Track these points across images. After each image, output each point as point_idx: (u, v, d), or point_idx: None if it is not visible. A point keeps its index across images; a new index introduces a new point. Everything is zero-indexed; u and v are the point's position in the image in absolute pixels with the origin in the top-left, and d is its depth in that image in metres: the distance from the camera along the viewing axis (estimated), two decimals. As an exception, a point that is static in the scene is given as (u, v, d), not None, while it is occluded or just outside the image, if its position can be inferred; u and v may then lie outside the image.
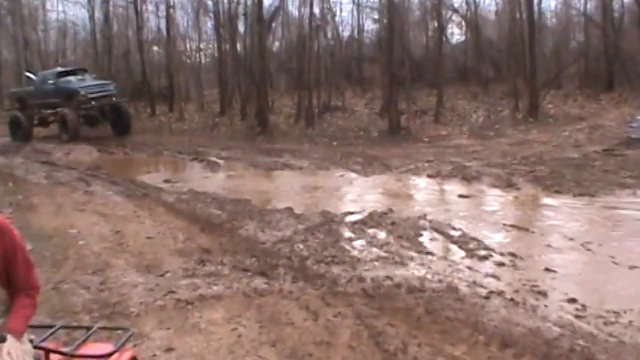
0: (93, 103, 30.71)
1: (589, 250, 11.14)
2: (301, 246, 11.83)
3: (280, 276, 10.01)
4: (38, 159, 25.18)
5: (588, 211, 14.21)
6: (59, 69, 34.23)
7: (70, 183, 19.62)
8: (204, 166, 22.91)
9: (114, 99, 32.07)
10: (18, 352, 3.76)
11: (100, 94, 31.30)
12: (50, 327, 4.54)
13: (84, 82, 31.90)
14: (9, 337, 3.80)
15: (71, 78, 32.25)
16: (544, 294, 9.04)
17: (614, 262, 10.39)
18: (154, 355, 7.25)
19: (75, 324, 5.71)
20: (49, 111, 31.81)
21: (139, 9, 40.45)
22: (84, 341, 4.46)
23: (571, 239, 11.70)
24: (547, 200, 15.39)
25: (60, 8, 46.42)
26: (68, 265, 10.77)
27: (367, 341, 7.53)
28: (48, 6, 46.07)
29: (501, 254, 10.92)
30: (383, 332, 7.74)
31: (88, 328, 4.71)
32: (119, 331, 5.05)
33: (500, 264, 10.45)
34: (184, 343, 7.58)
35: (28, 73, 36.06)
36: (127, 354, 4.53)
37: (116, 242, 12.53)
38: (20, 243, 4.01)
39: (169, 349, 7.41)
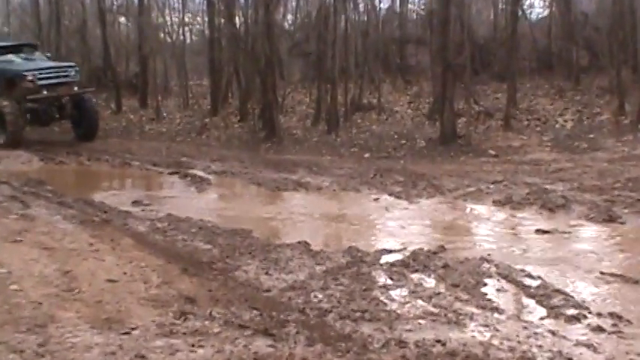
0: (44, 92, 29.28)
1: None
2: (320, 295, 11.81)
3: (290, 336, 9.95)
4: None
5: None
6: None
7: (0, 204, 19.63)
8: (189, 183, 22.85)
9: (75, 88, 30.68)
10: None
11: (54, 80, 29.79)
12: None
13: (32, 64, 30.44)
14: None
15: (13, 57, 30.90)
16: (660, 371, 9.00)
17: None
18: None
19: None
20: None
21: (100, -34, 40.71)
22: None
23: (696, 295, 11.64)
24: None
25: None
26: (-5, 319, 10.72)
27: None
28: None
29: (599, 315, 10.83)
30: (432, 421, 7.70)
31: None
32: None
33: (598, 328, 10.35)
34: None
35: None
36: None
37: (64, 287, 12.44)
38: None
39: None
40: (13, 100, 28.68)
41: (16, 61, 30.50)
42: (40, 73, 29.21)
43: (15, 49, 31.50)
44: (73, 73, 30.63)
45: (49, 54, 33.74)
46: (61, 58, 36.23)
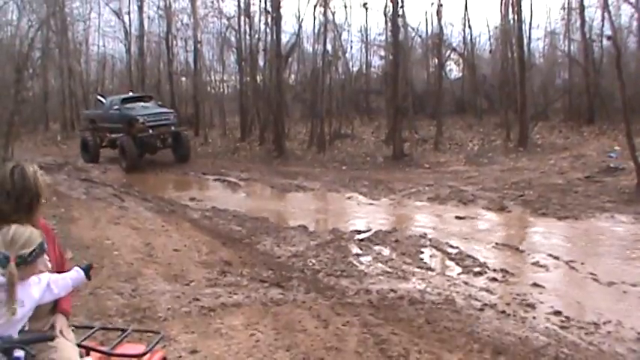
0: (150, 131, 28.36)
1: (572, 267, 11.15)
2: (313, 260, 11.86)
3: (294, 287, 10.03)
4: (79, 176, 25.18)
5: (572, 232, 14.21)
6: (125, 95, 32.24)
7: (106, 199, 19.63)
8: (226, 186, 22.84)
9: (173, 128, 29.48)
10: (67, 329, 3.89)
11: (158, 122, 28.87)
12: (90, 328, 4.61)
13: (145, 110, 29.63)
14: (60, 315, 4.05)
15: (135, 105, 30.20)
16: (532, 307, 9.07)
17: (594, 279, 10.42)
18: (180, 357, 7.28)
19: (111, 326, 5.73)
20: (114, 135, 29.53)
21: (169, 44, 40.62)
22: (119, 342, 4.54)
23: (556, 258, 11.69)
24: (535, 222, 15.38)
25: (100, 43, 46.97)
26: (104, 272, 10.77)
27: (373, 348, 7.54)
28: (90, 41, 46.60)
29: (494, 270, 10.94)
30: (387, 340, 7.75)
31: (123, 330, 4.78)
32: (151, 334, 5.12)
33: (493, 279, 10.47)
34: (207, 346, 7.59)
35: (98, 97, 34.25)
36: (158, 354, 4.60)
37: (146, 253, 12.54)
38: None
39: (194, 351, 7.43)
40: (130, 136, 27.95)
41: (135, 108, 29.70)
42: (149, 118, 28.57)
43: (137, 99, 31.08)
44: (171, 117, 29.83)
45: (160, 102, 33.03)
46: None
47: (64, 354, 3.87)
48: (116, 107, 29.64)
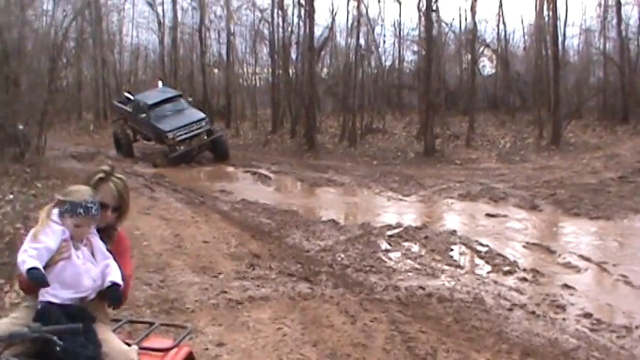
0: (181, 148, 26.54)
1: (604, 269, 11.02)
2: (342, 255, 11.82)
3: (322, 282, 10.00)
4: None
5: (604, 233, 14.05)
6: (151, 100, 28.98)
7: (137, 189, 19.65)
8: (257, 178, 22.78)
9: (205, 137, 27.51)
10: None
11: (189, 134, 26.93)
12: (117, 320, 4.59)
13: (174, 121, 27.47)
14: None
15: (163, 110, 28.16)
16: (562, 308, 8.97)
17: (626, 282, 10.30)
18: (207, 349, 7.27)
19: (139, 319, 5.72)
20: (146, 142, 29.02)
21: (202, 36, 40.67)
22: (147, 335, 4.53)
23: (587, 259, 11.57)
24: (566, 222, 15.24)
25: (134, 34, 46.98)
26: (133, 263, 10.77)
27: (400, 345, 7.49)
28: (124, 31, 46.70)
29: (524, 270, 10.85)
30: (415, 338, 7.69)
31: (151, 324, 4.76)
32: (179, 328, 5.11)
33: (523, 279, 10.37)
34: (234, 340, 7.58)
35: (126, 93, 32.97)
36: (185, 349, 4.57)
37: (175, 244, 12.57)
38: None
39: (220, 344, 7.43)
40: (162, 148, 27.26)
41: (163, 116, 27.78)
42: (179, 131, 26.74)
43: (165, 101, 28.79)
44: (203, 124, 27.68)
45: (190, 98, 31.26)
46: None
47: (110, 345, 3.90)
48: (143, 115, 28.14)
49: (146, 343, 4.40)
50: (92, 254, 3.94)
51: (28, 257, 3.68)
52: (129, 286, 4.24)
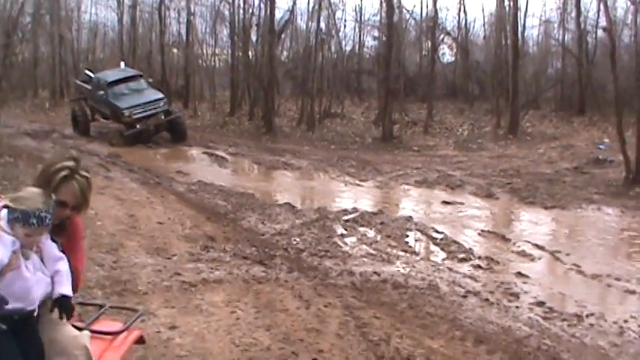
0: (137, 126, 26.17)
1: (557, 258, 11.13)
2: (297, 239, 11.78)
3: (277, 266, 9.96)
4: (65, 145, 24.94)
5: (558, 222, 14.23)
6: (110, 78, 28.64)
7: (91, 168, 19.37)
8: (213, 160, 22.59)
9: (162, 117, 27.05)
10: None
11: (146, 113, 26.57)
12: None
13: (132, 99, 27.11)
14: None
15: (122, 89, 27.73)
16: (516, 296, 9.03)
17: (579, 271, 10.40)
18: (158, 332, 7.18)
19: (88, 301, 5.61)
20: (103, 120, 28.46)
21: (162, 15, 40.21)
22: (97, 318, 4.43)
23: (542, 248, 11.68)
24: (522, 210, 15.36)
25: (93, 10, 46.36)
26: (85, 243, 10.64)
27: (354, 331, 7.47)
28: (82, 8, 46.05)
29: (479, 257, 10.90)
30: (368, 323, 7.68)
31: (101, 306, 4.67)
32: (129, 311, 5.02)
33: (478, 267, 10.42)
34: (187, 322, 7.51)
35: (87, 71, 31.67)
36: (135, 333, 4.49)
37: (130, 225, 12.45)
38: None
39: (173, 327, 7.35)
40: (117, 126, 26.70)
41: (120, 94, 27.36)
42: (135, 110, 26.35)
43: (124, 80, 28.37)
44: (161, 104, 27.34)
45: (150, 79, 30.71)
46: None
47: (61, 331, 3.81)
48: (102, 92, 27.66)
49: (96, 326, 4.31)
50: (42, 259, 3.77)
51: None
52: (79, 281, 4.16)
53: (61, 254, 3.88)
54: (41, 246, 3.76)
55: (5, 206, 3.67)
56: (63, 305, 3.77)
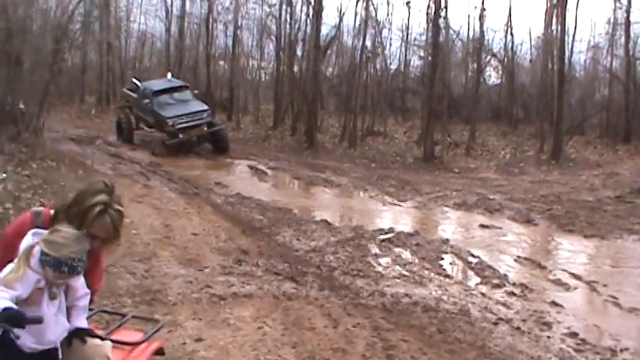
0: (180, 136, 26.31)
1: (594, 289, 10.92)
2: (331, 257, 11.72)
3: (308, 283, 9.91)
4: (108, 151, 25.20)
5: (597, 251, 13.98)
6: (156, 87, 29.01)
7: (132, 176, 19.66)
8: (253, 173, 22.62)
9: (205, 128, 27.24)
10: None
11: (190, 123, 26.76)
12: (90, 310, 4.48)
13: (176, 109, 27.28)
14: None
15: (168, 98, 27.93)
16: (549, 325, 8.86)
17: (615, 303, 10.18)
18: (184, 344, 7.18)
19: (111, 309, 5.61)
20: (147, 129, 28.58)
21: (209, 27, 40.64)
22: (118, 327, 4.45)
23: (578, 277, 11.47)
24: (560, 238, 15.12)
25: (141, 20, 46.98)
26: (119, 251, 10.70)
27: (380, 353, 7.40)
28: (131, 17, 46.68)
29: (513, 284, 10.73)
30: (396, 346, 7.60)
31: (123, 315, 4.68)
32: (151, 322, 5.02)
33: (511, 293, 10.25)
34: (213, 336, 7.50)
35: (134, 80, 31.98)
36: (155, 344, 4.49)
37: (164, 235, 12.51)
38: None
39: (199, 339, 7.34)
40: (161, 136, 26.98)
41: (165, 104, 27.61)
42: (179, 120, 26.57)
43: (170, 90, 28.61)
44: (205, 115, 27.50)
45: (196, 91, 31.06)
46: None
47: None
48: (147, 101, 27.95)
49: (116, 336, 4.31)
50: (66, 291, 3.78)
51: (1, 299, 3.43)
52: (93, 299, 4.17)
53: (86, 290, 3.90)
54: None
55: (37, 243, 3.64)
56: (77, 335, 3.82)
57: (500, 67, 39.49)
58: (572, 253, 13.69)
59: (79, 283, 3.84)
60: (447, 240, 13.71)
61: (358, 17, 35.49)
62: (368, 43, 35.27)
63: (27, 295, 3.55)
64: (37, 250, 3.61)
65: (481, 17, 34.98)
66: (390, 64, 40.72)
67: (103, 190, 3.91)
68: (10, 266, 3.62)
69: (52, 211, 3.93)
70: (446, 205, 18.33)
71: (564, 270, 11.89)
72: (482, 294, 10.14)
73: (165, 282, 9.40)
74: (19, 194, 13.42)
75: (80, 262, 3.63)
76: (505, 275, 11.27)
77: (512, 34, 37.75)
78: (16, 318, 3.39)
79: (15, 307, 3.43)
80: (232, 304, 8.63)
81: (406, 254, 12.46)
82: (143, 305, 8.20)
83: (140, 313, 6.75)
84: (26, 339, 3.56)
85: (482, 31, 35.56)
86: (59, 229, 3.67)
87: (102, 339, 4.00)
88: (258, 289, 9.33)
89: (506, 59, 38.22)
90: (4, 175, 15.41)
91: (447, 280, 10.89)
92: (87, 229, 3.77)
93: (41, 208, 4.04)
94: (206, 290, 9.09)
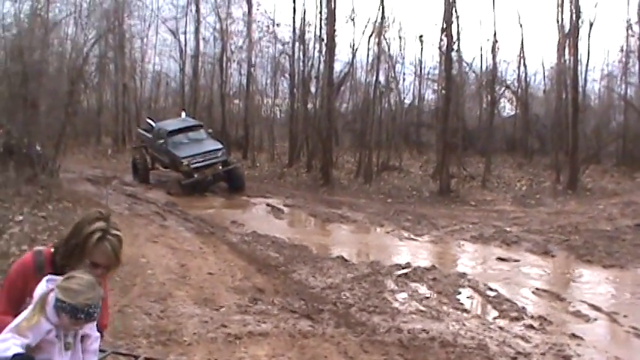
0: (195, 175, 26.38)
1: (614, 320, 10.79)
2: (347, 294, 11.68)
3: (324, 320, 9.85)
4: (124, 191, 25.30)
5: (617, 282, 13.82)
6: (170, 127, 29.12)
7: (148, 216, 19.69)
8: (269, 211, 22.61)
9: (220, 167, 27.19)
10: None
11: (204, 162, 26.75)
12: (103, 351, 4.46)
13: (190, 148, 27.35)
14: None
15: (182, 138, 28.03)
16: (568, 359, 8.77)
17: (637, 334, 10.06)
18: (200, 384, 7.12)
19: (126, 351, 5.57)
20: (162, 169, 29.11)
21: (224, 66, 40.97)
22: None
23: (598, 309, 11.33)
24: (579, 269, 14.98)
25: (156, 61, 47.41)
26: (135, 291, 10.73)
27: (398, 390, 7.31)
28: (146, 58, 47.11)
29: (532, 317, 10.63)
30: (413, 382, 7.52)
31: (136, 357, 4.65)
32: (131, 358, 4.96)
33: (530, 326, 10.15)
34: (229, 376, 7.44)
35: (148, 120, 32.27)
36: None
37: (180, 275, 12.49)
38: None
39: (214, 380, 7.28)
40: (176, 175, 27.34)
41: (180, 143, 27.68)
42: (194, 159, 26.63)
43: (184, 130, 28.72)
44: (219, 154, 27.50)
45: (210, 130, 30.90)
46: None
47: None
48: (162, 141, 28.03)
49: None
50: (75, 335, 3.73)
51: (12, 345, 3.38)
52: (103, 335, 4.14)
53: (96, 334, 3.86)
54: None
55: (52, 290, 3.58)
56: None
57: (514, 99, 39.51)
58: (592, 283, 13.55)
59: (91, 327, 3.81)
60: (464, 274, 13.63)
61: (371, 52, 35.68)
62: (381, 78, 35.40)
63: (34, 343, 3.49)
64: (52, 297, 3.56)
65: (493, 49, 35.08)
66: (404, 98, 40.90)
67: (100, 217, 3.90)
68: (24, 313, 3.57)
69: (52, 249, 3.92)
70: (463, 239, 18.24)
71: (584, 301, 11.78)
72: (501, 328, 10.05)
73: (181, 322, 9.38)
74: (35, 236, 13.48)
75: (96, 308, 3.59)
76: (523, 308, 11.17)
77: (525, 65, 37.82)
78: None
79: (25, 353, 3.39)
80: (248, 343, 8.59)
81: (423, 289, 12.38)
82: (158, 346, 8.16)
83: (155, 353, 6.73)
84: None
85: (494, 63, 35.64)
86: (74, 276, 3.63)
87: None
88: (273, 328, 9.29)
89: (519, 90, 38.22)
90: (21, 217, 15.51)
91: (465, 314, 10.80)
92: (88, 258, 3.76)
93: (42, 247, 4.03)
94: (222, 330, 9.07)
